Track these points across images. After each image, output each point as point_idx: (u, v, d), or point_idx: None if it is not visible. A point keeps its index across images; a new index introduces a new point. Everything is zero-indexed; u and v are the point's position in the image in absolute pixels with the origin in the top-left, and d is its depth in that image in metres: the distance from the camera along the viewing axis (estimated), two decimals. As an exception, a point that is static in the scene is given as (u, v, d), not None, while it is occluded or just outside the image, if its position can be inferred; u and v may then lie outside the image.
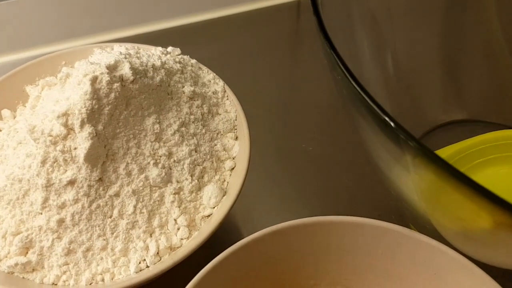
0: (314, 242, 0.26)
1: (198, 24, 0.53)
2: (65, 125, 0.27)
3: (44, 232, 0.28)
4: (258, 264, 0.26)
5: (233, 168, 0.31)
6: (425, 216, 0.27)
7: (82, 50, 0.37)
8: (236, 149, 0.32)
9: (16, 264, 0.27)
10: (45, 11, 0.49)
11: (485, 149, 0.35)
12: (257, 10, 0.54)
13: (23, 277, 0.28)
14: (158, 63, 0.32)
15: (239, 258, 0.25)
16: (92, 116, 0.27)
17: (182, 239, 0.29)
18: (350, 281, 0.27)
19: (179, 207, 0.29)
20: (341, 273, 0.27)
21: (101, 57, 0.30)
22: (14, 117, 0.35)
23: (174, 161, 0.30)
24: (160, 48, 0.36)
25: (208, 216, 0.30)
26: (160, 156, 0.29)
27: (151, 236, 0.29)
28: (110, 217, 0.28)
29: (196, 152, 0.31)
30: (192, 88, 0.32)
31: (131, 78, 0.28)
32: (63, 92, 0.29)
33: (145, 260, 0.28)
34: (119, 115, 0.28)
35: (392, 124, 0.20)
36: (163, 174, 0.29)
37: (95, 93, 0.27)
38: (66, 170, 0.28)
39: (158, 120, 0.30)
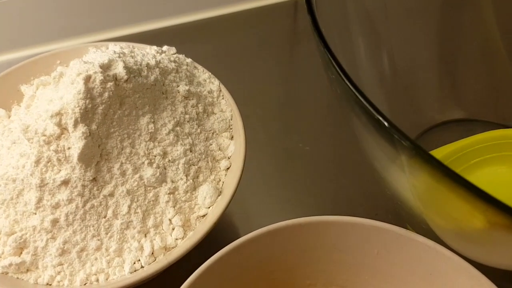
0: (310, 242, 0.26)
1: (194, 23, 0.53)
2: (59, 124, 0.27)
3: (38, 232, 0.28)
4: (254, 264, 0.26)
5: (228, 168, 0.31)
6: (421, 216, 0.27)
7: (77, 49, 0.37)
8: (232, 148, 0.32)
9: (10, 265, 0.27)
10: (40, 11, 0.49)
11: (482, 149, 0.35)
12: (253, 9, 0.54)
13: (17, 278, 0.28)
14: (152, 62, 0.31)
15: (234, 258, 0.25)
16: (85, 116, 0.27)
17: (177, 239, 0.29)
18: (346, 281, 0.27)
19: (174, 207, 0.29)
20: (336, 273, 0.27)
21: (95, 56, 0.30)
22: (9, 117, 0.35)
23: (169, 160, 0.30)
24: (155, 47, 0.35)
25: (203, 216, 0.30)
26: (155, 156, 0.29)
27: (145, 236, 0.28)
28: (105, 217, 0.28)
29: (191, 151, 0.31)
30: (187, 87, 0.32)
31: (125, 77, 0.28)
32: (57, 91, 0.29)
33: (139, 260, 0.28)
34: (113, 114, 0.28)
35: (385, 123, 0.20)
36: (158, 174, 0.29)
37: (88, 92, 0.27)
38: (60, 170, 0.28)
39: (152, 120, 0.30)
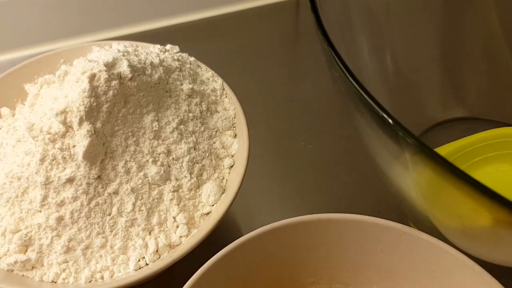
0: (314, 239, 0.26)
1: (197, 22, 0.53)
2: (64, 122, 0.27)
3: (43, 230, 0.28)
4: (257, 261, 0.26)
5: (232, 166, 0.31)
6: (424, 214, 0.27)
7: (81, 48, 0.37)
8: (235, 147, 0.32)
9: (16, 262, 0.27)
10: (44, 10, 0.49)
11: (484, 147, 0.35)
12: (256, 8, 0.54)
13: (23, 275, 0.28)
14: (156, 60, 0.32)
15: (238, 255, 0.25)
16: (90, 114, 0.27)
17: (181, 236, 0.29)
18: (349, 279, 0.27)
19: (178, 205, 0.29)
20: (340, 271, 0.27)
21: (99, 54, 0.30)
22: (13, 115, 0.35)
23: (173, 158, 0.30)
24: (158, 46, 0.35)
25: (207, 213, 0.30)
26: (159, 154, 0.29)
27: (150, 234, 0.29)
28: (109, 214, 0.28)
29: (195, 150, 0.31)
30: (190, 86, 0.32)
31: (129, 75, 0.28)
32: (62, 89, 0.29)
33: (144, 257, 0.28)
34: (117, 112, 0.28)
35: (390, 121, 0.20)
36: (162, 172, 0.29)
37: (93, 91, 0.27)
38: (65, 168, 0.28)
39: (156, 118, 0.30)
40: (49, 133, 0.27)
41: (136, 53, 0.31)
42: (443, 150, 0.34)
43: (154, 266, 0.27)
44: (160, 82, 0.31)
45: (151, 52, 0.33)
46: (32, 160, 0.28)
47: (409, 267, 0.26)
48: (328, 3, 0.27)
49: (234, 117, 0.33)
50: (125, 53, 0.30)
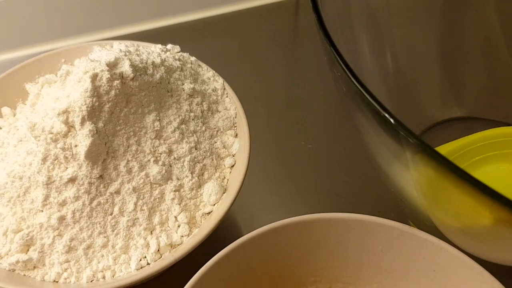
0: (314, 239, 0.26)
1: (198, 22, 0.53)
2: (66, 122, 0.27)
3: (45, 230, 0.28)
4: (259, 261, 0.26)
5: (233, 166, 0.31)
6: (424, 213, 0.27)
7: (82, 47, 0.37)
8: (236, 146, 0.32)
9: (17, 262, 0.27)
10: (44, 9, 0.49)
11: (484, 146, 0.35)
12: (256, 7, 0.54)
13: (24, 275, 0.28)
14: (157, 60, 0.32)
15: (240, 255, 0.25)
16: (92, 114, 0.27)
17: (182, 236, 0.29)
18: (350, 278, 0.27)
19: (179, 204, 0.29)
20: (341, 270, 0.27)
21: (101, 54, 0.30)
22: (14, 115, 0.35)
23: (174, 158, 0.30)
24: (159, 46, 0.36)
25: (209, 213, 0.30)
26: (160, 154, 0.29)
27: (151, 233, 0.29)
28: (111, 214, 0.28)
29: (196, 149, 0.31)
30: (191, 86, 0.32)
31: (131, 75, 0.29)
32: (64, 89, 0.29)
33: (145, 257, 0.28)
34: (119, 112, 0.28)
35: (392, 120, 0.20)
36: (163, 171, 0.29)
37: (95, 91, 0.27)
38: (66, 168, 0.28)
39: (158, 118, 0.30)
40: (51, 133, 0.28)
41: (138, 52, 0.31)
42: (442, 150, 0.34)
43: (155, 265, 0.27)
44: (162, 82, 0.31)
45: (153, 52, 0.33)
46: (34, 160, 0.28)
47: (409, 266, 0.26)
48: (329, 3, 0.27)
49: (235, 117, 0.33)
50: (127, 53, 0.30)
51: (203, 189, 0.30)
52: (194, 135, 0.31)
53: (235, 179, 0.30)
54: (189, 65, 0.34)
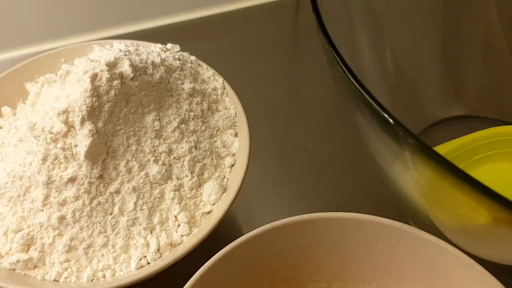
0: (314, 238, 0.26)
1: (197, 21, 0.53)
2: (66, 122, 0.27)
3: (45, 229, 0.28)
4: (258, 260, 0.26)
5: (233, 165, 0.31)
6: (424, 212, 0.27)
7: (82, 47, 0.37)
8: (236, 146, 0.32)
9: (18, 261, 0.27)
10: (44, 8, 0.49)
11: (483, 145, 0.35)
12: (256, 6, 0.54)
13: (25, 274, 0.28)
14: (157, 60, 0.32)
15: (240, 254, 0.25)
16: (92, 113, 0.27)
17: (182, 235, 0.29)
18: (350, 277, 0.27)
19: (179, 203, 0.29)
20: (341, 269, 0.27)
21: (100, 54, 0.30)
22: (14, 114, 0.35)
23: (174, 158, 0.30)
24: (159, 45, 0.36)
25: (208, 212, 0.30)
26: (160, 153, 0.30)
27: (151, 233, 0.29)
28: (111, 214, 0.28)
29: (196, 149, 0.31)
30: (191, 85, 0.32)
31: (131, 75, 0.29)
32: (63, 89, 0.29)
33: (145, 256, 0.28)
34: (119, 112, 0.28)
35: (391, 120, 0.20)
36: (163, 171, 0.29)
37: (95, 90, 0.27)
38: (66, 168, 0.28)
39: (158, 117, 0.30)
40: (51, 133, 0.28)
41: (138, 52, 0.31)
42: (442, 149, 0.34)
43: (155, 265, 0.27)
44: (162, 81, 0.31)
45: (152, 51, 0.33)
46: (34, 160, 0.28)
47: (409, 265, 0.26)
48: (329, 3, 0.27)
49: (235, 116, 0.33)
50: (127, 53, 0.30)
51: (203, 188, 0.30)
52: (194, 134, 0.31)
53: (235, 179, 0.30)
54: (189, 65, 0.34)
